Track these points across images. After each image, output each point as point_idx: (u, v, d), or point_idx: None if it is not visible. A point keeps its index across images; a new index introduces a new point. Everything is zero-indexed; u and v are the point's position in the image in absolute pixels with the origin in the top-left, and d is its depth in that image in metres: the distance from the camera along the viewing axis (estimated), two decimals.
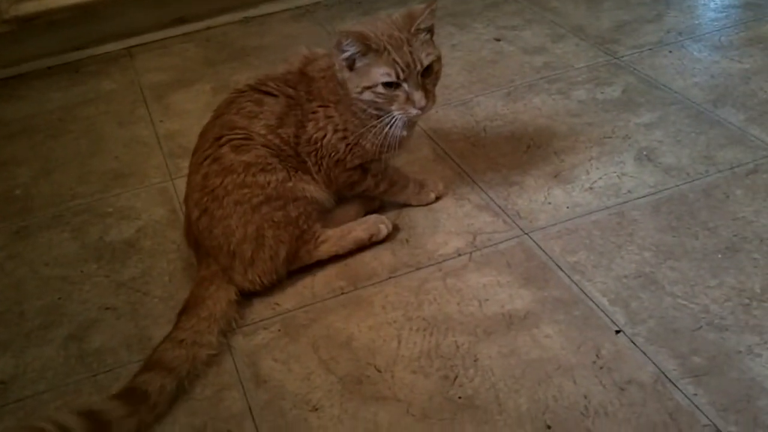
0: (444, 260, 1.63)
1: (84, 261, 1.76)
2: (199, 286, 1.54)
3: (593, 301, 1.48)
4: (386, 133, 1.58)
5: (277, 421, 1.33)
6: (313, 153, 1.61)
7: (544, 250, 1.62)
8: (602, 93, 2.13)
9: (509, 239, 1.66)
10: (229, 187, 1.54)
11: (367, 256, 1.66)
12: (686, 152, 1.85)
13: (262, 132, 1.57)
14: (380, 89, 1.53)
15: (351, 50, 1.52)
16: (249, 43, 2.70)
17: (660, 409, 1.27)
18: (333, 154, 1.62)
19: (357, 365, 1.41)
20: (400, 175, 1.75)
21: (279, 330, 1.51)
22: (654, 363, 1.35)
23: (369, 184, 1.69)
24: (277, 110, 1.59)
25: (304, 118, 1.60)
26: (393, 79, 1.51)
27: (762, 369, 1.31)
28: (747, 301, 1.44)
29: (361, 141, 1.62)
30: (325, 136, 1.60)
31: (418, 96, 1.52)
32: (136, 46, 2.77)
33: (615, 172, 1.81)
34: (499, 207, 1.76)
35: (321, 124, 1.60)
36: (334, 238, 1.63)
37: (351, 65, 1.55)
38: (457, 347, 1.42)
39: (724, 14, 2.48)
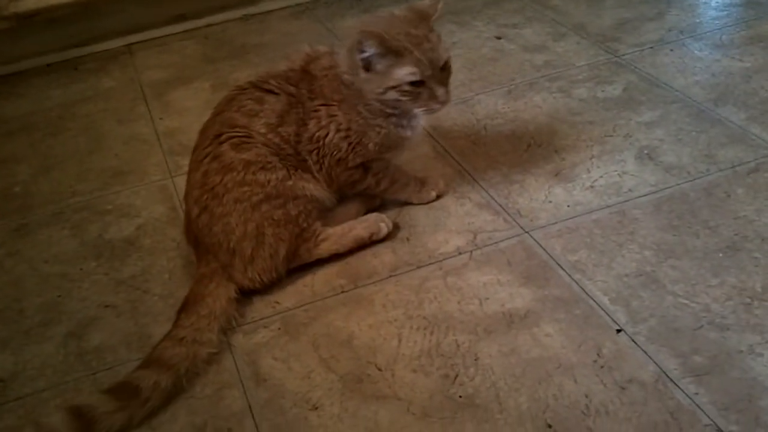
0: (444, 259, 1.63)
1: (83, 258, 1.75)
2: (198, 283, 1.54)
3: (594, 300, 1.48)
4: (392, 132, 1.60)
5: (277, 419, 1.33)
6: (315, 151, 1.61)
7: (544, 249, 1.62)
8: (603, 91, 2.13)
9: (510, 238, 1.66)
10: (229, 185, 1.53)
11: (367, 254, 1.66)
12: (687, 151, 1.85)
13: (263, 130, 1.57)
14: (406, 88, 1.53)
15: (371, 51, 1.52)
16: (249, 40, 2.70)
17: (661, 409, 1.27)
18: (335, 152, 1.61)
19: (357, 364, 1.41)
20: (401, 174, 1.75)
21: (279, 328, 1.51)
22: (655, 362, 1.34)
23: (370, 183, 1.69)
24: (278, 108, 1.59)
25: (305, 117, 1.60)
26: (419, 77, 1.52)
27: (763, 368, 1.31)
28: (748, 300, 1.44)
29: (363, 140, 1.61)
30: (327, 134, 1.60)
31: (441, 92, 1.55)
32: (136, 43, 2.77)
33: (616, 171, 1.81)
34: (500, 205, 1.75)
35: (323, 123, 1.60)
36: (334, 236, 1.63)
37: (368, 66, 1.54)
38: (458, 346, 1.42)
39: (726, 13, 2.48)
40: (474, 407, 1.30)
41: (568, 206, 1.73)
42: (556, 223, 1.68)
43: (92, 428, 1.28)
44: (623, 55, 2.30)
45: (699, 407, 1.26)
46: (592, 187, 1.77)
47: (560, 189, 1.78)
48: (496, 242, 1.65)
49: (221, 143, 1.56)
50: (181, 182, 1.83)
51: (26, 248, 1.81)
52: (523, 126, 2.03)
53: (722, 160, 1.80)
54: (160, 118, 2.28)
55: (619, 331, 1.41)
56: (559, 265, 1.57)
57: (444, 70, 1.57)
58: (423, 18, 1.57)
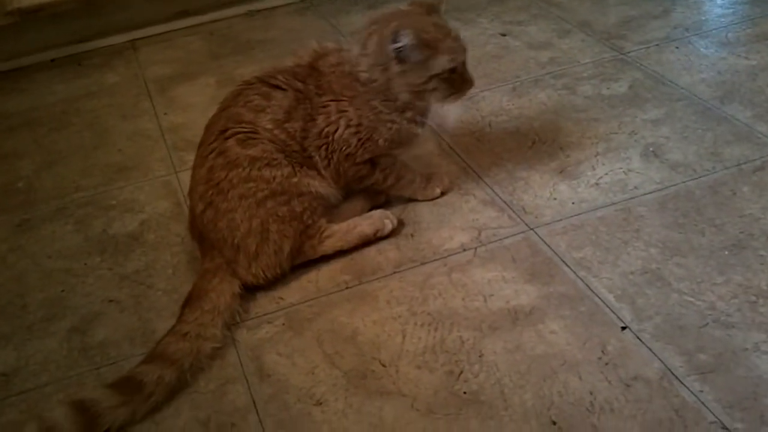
0: (449, 255, 1.62)
1: (87, 254, 1.75)
2: (202, 278, 1.54)
3: (599, 297, 1.48)
4: (403, 128, 1.62)
5: (281, 415, 1.33)
6: (324, 147, 1.61)
7: (549, 246, 1.61)
8: (608, 89, 2.13)
9: (514, 235, 1.66)
10: (234, 181, 1.53)
11: (371, 250, 1.65)
12: (693, 149, 1.84)
13: (269, 126, 1.57)
14: (446, 75, 1.58)
15: (406, 43, 1.53)
16: (253, 36, 2.69)
17: (666, 406, 1.26)
18: (344, 148, 1.61)
19: (361, 360, 1.41)
20: (407, 170, 1.74)
21: (283, 324, 1.51)
22: (660, 360, 1.34)
23: (377, 178, 1.69)
24: (285, 104, 1.58)
25: (313, 112, 1.60)
26: (455, 64, 1.58)
27: None
28: (754, 298, 1.44)
29: (373, 136, 1.61)
30: (336, 130, 1.60)
31: (470, 75, 1.64)
32: (140, 38, 2.77)
33: (621, 168, 1.81)
34: (505, 202, 1.75)
35: (333, 118, 1.59)
36: (339, 233, 1.63)
37: (403, 58, 1.55)
38: (462, 342, 1.42)
39: (731, 10, 2.47)
40: (479, 404, 1.30)
41: (573, 203, 1.72)
42: (560, 220, 1.68)
43: (96, 423, 1.28)
44: (629, 52, 2.29)
45: (704, 405, 1.26)
46: (597, 184, 1.77)
47: (565, 186, 1.77)
48: (500, 239, 1.65)
49: (227, 138, 1.56)
50: (185, 178, 1.83)
51: (29, 243, 1.81)
52: (527, 123, 2.02)
53: (728, 158, 1.80)
54: (165, 114, 2.28)
55: (624, 328, 1.41)
56: (564, 262, 1.57)
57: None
58: (433, 11, 1.62)
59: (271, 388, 1.38)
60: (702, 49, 2.26)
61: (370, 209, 1.72)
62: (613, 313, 1.44)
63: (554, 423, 1.26)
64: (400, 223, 1.70)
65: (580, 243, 1.61)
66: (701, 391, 1.28)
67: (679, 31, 2.38)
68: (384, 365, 1.39)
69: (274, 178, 1.54)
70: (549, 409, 1.28)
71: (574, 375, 1.33)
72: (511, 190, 1.78)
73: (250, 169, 1.53)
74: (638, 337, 1.39)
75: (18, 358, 1.50)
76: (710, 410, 1.25)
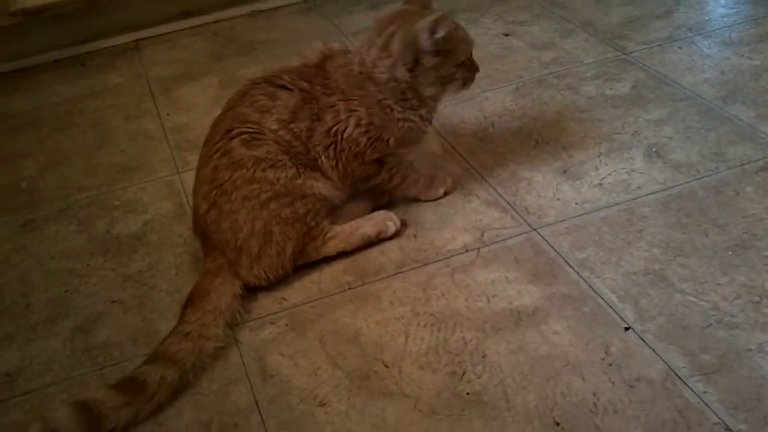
0: (452, 256, 1.62)
1: (90, 254, 1.75)
2: (204, 278, 1.54)
3: (602, 298, 1.48)
4: (415, 126, 1.65)
5: (284, 415, 1.33)
6: (332, 146, 1.60)
7: (552, 246, 1.61)
8: (611, 89, 2.12)
9: (517, 235, 1.66)
10: (238, 182, 1.53)
11: (374, 251, 1.65)
12: (696, 149, 1.84)
13: (274, 127, 1.56)
14: (465, 62, 1.65)
15: (443, 34, 1.56)
16: (256, 37, 2.70)
17: (669, 407, 1.26)
18: (353, 147, 1.61)
19: (364, 360, 1.41)
20: (412, 170, 1.74)
21: (286, 325, 1.51)
22: (663, 360, 1.34)
23: (384, 177, 1.69)
24: (291, 104, 1.58)
25: (321, 112, 1.59)
26: (471, 49, 1.67)
27: None
28: (757, 298, 1.43)
29: (383, 135, 1.62)
30: (346, 129, 1.60)
31: (476, 62, 1.70)
32: (143, 39, 2.77)
33: (624, 169, 1.80)
34: (508, 203, 1.75)
35: (342, 117, 1.59)
36: (341, 234, 1.63)
37: (439, 50, 1.59)
38: (465, 343, 1.42)
39: (735, 10, 2.47)
40: (481, 404, 1.30)
41: (576, 204, 1.72)
42: (564, 220, 1.68)
43: (99, 423, 1.28)
44: (631, 52, 2.29)
45: (707, 406, 1.25)
46: (600, 184, 1.76)
47: (568, 186, 1.77)
48: (503, 239, 1.65)
49: (232, 138, 1.56)
50: (188, 178, 1.83)
51: (33, 244, 1.81)
52: (530, 123, 2.02)
53: (731, 158, 1.79)
54: (168, 114, 2.28)
55: (627, 329, 1.41)
56: (567, 262, 1.57)
57: None
58: (427, 6, 1.67)
59: (274, 388, 1.38)
60: (705, 49, 2.26)
61: (373, 210, 1.72)
62: (616, 313, 1.44)
63: (557, 424, 1.26)
64: (403, 224, 1.70)
65: (583, 243, 1.61)
66: (705, 392, 1.27)
67: (682, 31, 2.37)
68: (387, 366, 1.39)
69: (278, 179, 1.54)
70: (552, 410, 1.28)
71: (577, 376, 1.33)
72: (514, 190, 1.78)
73: (254, 171, 1.53)
74: (641, 338, 1.38)
75: (22, 358, 1.50)
76: (714, 411, 1.24)
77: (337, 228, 1.63)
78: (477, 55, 1.70)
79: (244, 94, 1.62)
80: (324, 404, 1.34)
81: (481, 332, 1.43)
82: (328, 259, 1.63)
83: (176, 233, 1.79)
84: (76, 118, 2.32)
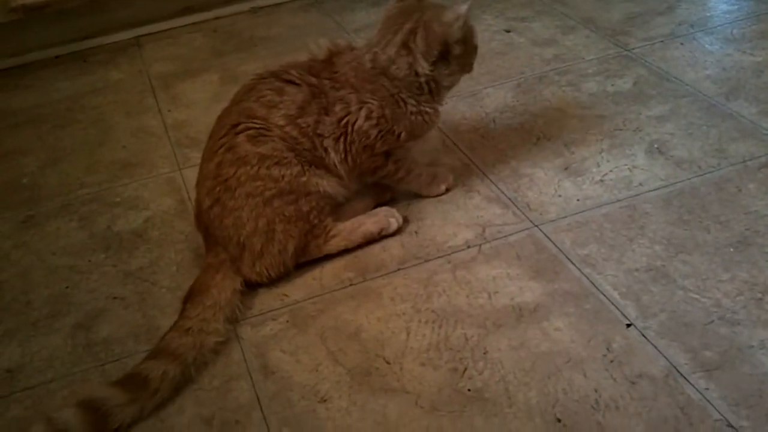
0: (453, 252, 1.62)
1: (92, 250, 1.75)
2: (205, 273, 1.54)
3: (604, 295, 1.47)
4: (429, 117, 1.66)
5: (285, 412, 1.33)
6: (341, 138, 1.60)
7: (554, 243, 1.61)
8: (613, 85, 2.12)
9: (519, 231, 1.65)
10: (242, 179, 1.53)
11: (375, 247, 1.65)
12: (698, 145, 1.84)
13: (281, 123, 1.56)
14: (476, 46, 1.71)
15: (468, 21, 1.61)
16: (257, 33, 2.69)
17: (671, 404, 1.26)
18: (363, 139, 1.61)
19: (365, 357, 1.40)
20: (415, 164, 1.74)
21: (287, 321, 1.50)
22: (665, 357, 1.34)
23: (390, 170, 1.69)
24: (298, 99, 1.58)
25: (329, 105, 1.59)
26: None
27: None
28: (759, 295, 1.43)
29: (394, 128, 1.62)
30: (356, 120, 1.59)
31: None
32: (144, 35, 2.77)
33: (626, 165, 1.80)
34: (509, 199, 1.75)
35: (353, 109, 1.59)
36: (344, 232, 1.62)
37: (465, 40, 1.63)
38: (467, 339, 1.41)
39: (737, 6, 2.46)
40: (483, 401, 1.30)
41: (578, 200, 1.72)
42: (565, 217, 1.68)
43: (106, 422, 1.28)
44: (633, 48, 2.29)
45: (709, 402, 1.25)
46: (601, 181, 1.76)
47: (570, 183, 1.77)
48: (505, 236, 1.65)
49: (237, 134, 1.55)
50: (189, 174, 1.84)
51: (34, 240, 1.81)
52: (532, 119, 2.02)
53: (733, 155, 1.79)
54: (168, 111, 2.28)
55: (629, 325, 1.41)
56: (568, 259, 1.57)
57: None
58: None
59: (276, 385, 1.38)
60: (707, 46, 2.25)
61: (375, 207, 1.71)
62: (618, 310, 1.44)
63: (559, 420, 1.25)
64: (405, 221, 1.69)
65: (585, 240, 1.60)
66: (707, 389, 1.27)
67: (683, 27, 2.37)
68: (388, 362, 1.39)
69: (283, 177, 1.54)
70: (554, 406, 1.28)
71: (578, 372, 1.33)
72: (515, 186, 1.78)
73: (259, 168, 1.53)
74: (643, 335, 1.38)
75: (23, 354, 1.50)
76: (716, 408, 1.24)
77: (340, 226, 1.63)
78: (479, 51, 1.71)
79: (251, 88, 1.61)
80: (325, 400, 1.33)
81: (483, 329, 1.43)
82: (330, 256, 1.63)
83: (177, 229, 1.79)
84: (77, 115, 2.32)
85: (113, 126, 2.25)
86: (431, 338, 1.43)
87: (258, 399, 1.35)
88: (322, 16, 2.76)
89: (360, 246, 1.64)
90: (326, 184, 1.59)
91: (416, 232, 1.68)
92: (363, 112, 1.59)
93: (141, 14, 2.74)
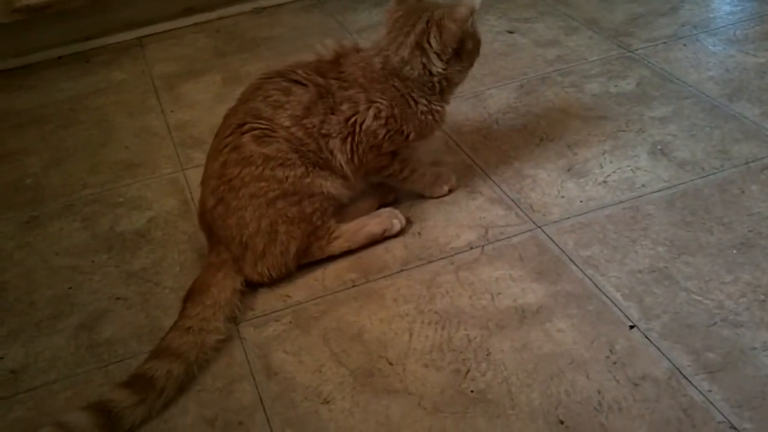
0: (456, 253, 1.62)
1: (95, 251, 1.75)
2: (207, 272, 1.54)
3: (607, 296, 1.47)
4: (439, 114, 1.67)
5: (288, 413, 1.33)
6: (349, 137, 1.59)
7: (557, 244, 1.61)
8: (616, 86, 2.12)
9: (522, 233, 1.65)
10: (246, 179, 1.53)
11: (378, 248, 1.65)
12: (701, 146, 1.84)
13: (286, 124, 1.56)
14: None
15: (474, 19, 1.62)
16: (259, 33, 2.69)
17: (674, 405, 1.26)
18: (371, 139, 1.60)
19: (368, 358, 1.41)
20: (420, 164, 1.74)
21: (290, 322, 1.51)
22: (668, 359, 1.34)
23: (395, 169, 1.69)
24: (305, 100, 1.57)
25: (336, 105, 1.59)
26: None
27: None
28: (762, 297, 1.43)
29: (402, 127, 1.62)
30: (364, 120, 1.59)
31: None
32: (147, 36, 2.77)
33: (629, 166, 1.80)
34: (512, 200, 1.75)
35: (361, 108, 1.59)
36: (347, 233, 1.63)
37: (474, 34, 1.64)
38: (469, 341, 1.41)
39: (740, 8, 2.46)
40: (486, 402, 1.30)
41: (581, 201, 1.72)
42: (568, 218, 1.68)
43: (119, 424, 1.29)
44: (636, 49, 2.29)
45: (712, 404, 1.25)
46: (604, 182, 1.76)
47: (573, 184, 1.77)
48: (508, 237, 1.65)
49: (243, 134, 1.55)
50: (192, 175, 1.84)
51: (37, 241, 1.81)
52: (535, 120, 2.02)
53: (736, 156, 1.79)
54: (171, 111, 2.28)
55: (632, 327, 1.41)
56: (571, 260, 1.57)
57: None
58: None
59: (278, 386, 1.38)
60: (710, 47, 2.25)
61: (379, 208, 1.71)
62: (621, 311, 1.44)
63: (561, 422, 1.25)
64: (408, 222, 1.70)
65: (588, 241, 1.60)
66: (709, 391, 1.27)
67: (686, 28, 2.37)
68: (391, 363, 1.39)
69: (287, 178, 1.54)
70: (556, 408, 1.28)
71: (581, 374, 1.33)
72: (518, 188, 1.78)
73: (263, 168, 1.53)
74: (646, 336, 1.38)
75: (26, 355, 1.50)
76: (719, 410, 1.24)
77: (343, 227, 1.63)
78: (481, 51, 1.71)
79: (258, 88, 1.61)
80: (328, 401, 1.34)
81: (486, 330, 1.43)
82: (333, 257, 1.63)
83: (180, 230, 1.79)
84: (80, 115, 2.32)
85: (116, 126, 2.25)
86: (434, 339, 1.43)
87: (261, 400, 1.36)
88: (324, 17, 2.76)
89: (363, 247, 1.64)
90: (330, 186, 1.59)
91: (419, 233, 1.68)
92: (371, 112, 1.59)
93: (143, 15, 2.74)
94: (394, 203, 1.75)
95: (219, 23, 2.81)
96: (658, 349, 1.36)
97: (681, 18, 2.43)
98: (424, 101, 1.64)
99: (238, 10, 2.86)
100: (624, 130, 1.93)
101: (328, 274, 1.61)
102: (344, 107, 1.59)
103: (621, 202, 1.70)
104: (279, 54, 2.50)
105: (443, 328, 1.45)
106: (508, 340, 1.41)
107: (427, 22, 1.60)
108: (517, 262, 1.58)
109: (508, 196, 1.76)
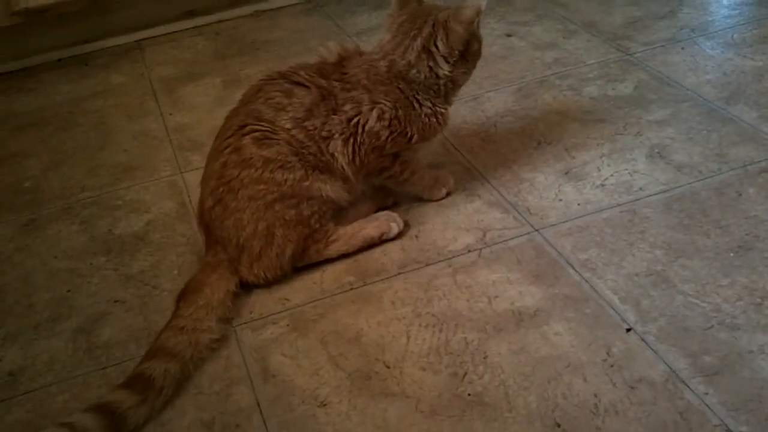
0: (453, 256, 1.62)
1: (93, 254, 1.76)
2: (202, 271, 1.55)
3: (604, 299, 1.48)
4: (443, 116, 1.67)
5: (285, 416, 1.33)
6: (351, 138, 1.59)
7: (554, 247, 1.61)
8: (614, 89, 2.12)
9: (519, 236, 1.66)
10: (245, 181, 1.53)
11: (376, 251, 1.65)
12: (698, 150, 1.84)
13: (288, 126, 1.56)
14: None
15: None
16: (259, 37, 2.70)
17: (671, 409, 1.26)
18: (373, 140, 1.60)
19: (366, 361, 1.41)
20: (419, 166, 1.75)
21: (287, 325, 1.51)
22: (665, 362, 1.34)
23: (396, 170, 1.69)
24: (307, 102, 1.57)
25: (337, 106, 1.59)
26: None
27: None
28: (759, 300, 1.43)
29: (406, 129, 1.62)
30: (367, 121, 1.59)
31: None
32: (146, 39, 2.77)
33: (626, 170, 1.80)
34: (510, 203, 1.75)
35: (364, 109, 1.59)
36: (345, 236, 1.63)
37: (477, 34, 1.65)
38: (467, 344, 1.42)
39: (738, 11, 2.47)
40: (483, 405, 1.30)
41: (579, 205, 1.72)
42: (566, 221, 1.68)
43: (124, 425, 1.29)
44: (634, 53, 2.29)
45: (709, 407, 1.25)
46: (602, 185, 1.76)
47: (570, 187, 1.77)
48: (505, 240, 1.65)
49: (244, 135, 1.55)
50: (191, 178, 1.84)
51: (36, 243, 1.82)
52: (533, 124, 2.02)
53: (734, 159, 1.79)
54: (170, 114, 2.29)
55: (629, 330, 1.41)
56: (569, 263, 1.57)
57: None
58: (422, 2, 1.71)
59: (276, 389, 1.38)
60: (708, 50, 2.26)
61: (377, 211, 1.72)
62: (618, 314, 1.44)
63: (558, 425, 1.26)
64: (405, 225, 1.70)
65: (585, 244, 1.61)
66: (706, 394, 1.27)
67: (684, 32, 2.37)
68: (388, 366, 1.39)
69: (286, 181, 1.54)
70: (553, 411, 1.28)
71: (578, 377, 1.33)
72: (516, 191, 1.78)
73: (263, 171, 1.53)
74: (643, 339, 1.38)
75: (24, 357, 1.51)
76: (715, 413, 1.24)
77: (341, 230, 1.63)
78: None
79: (259, 89, 1.61)
80: (325, 405, 1.34)
81: (483, 333, 1.43)
82: (330, 260, 1.63)
83: (179, 233, 1.79)
84: (79, 118, 2.33)
85: (115, 129, 2.25)
86: (431, 342, 1.43)
87: (258, 403, 1.36)
88: (323, 20, 2.77)
89: (361, 250, 1.65)
90: (329, 189, 1.59)
91: (417, 236, 1.69)
92: (375, 113, 1.59)
93: (143, 18, 2.75)
94: (392, 207, 1.75)
95: (219, 26, 2.81)
96: (655, 352, 1.36)
97: (679, 21, 2.44)
98: (429, 104, 1.64)
99: (238, 13, 2.86)
100: (622, 134, 1.93)
101: (326, 277, 1.61)
102: (347, 108, 1.59)
103: (618, 205, 1.70)
104: (278, 57, 2.50)
105: (440, 331, 1.45)
106: (506, 343, 1.41)
107: (434, 25, 1.60)
108: (515, 265, 1.58)
109: (506, 200, 1.76)
